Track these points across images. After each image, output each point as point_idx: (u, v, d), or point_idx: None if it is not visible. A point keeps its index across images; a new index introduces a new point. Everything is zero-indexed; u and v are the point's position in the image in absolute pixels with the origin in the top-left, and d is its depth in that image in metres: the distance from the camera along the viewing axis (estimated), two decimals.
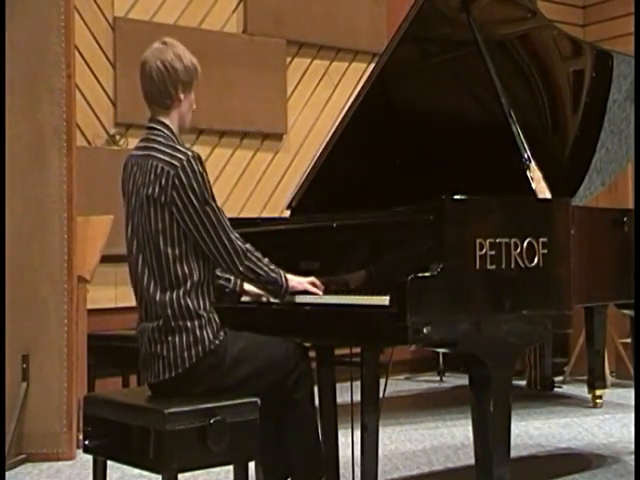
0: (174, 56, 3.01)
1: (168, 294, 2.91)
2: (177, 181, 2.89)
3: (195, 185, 2.90)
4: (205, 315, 2.93)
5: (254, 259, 2.99)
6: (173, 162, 2.91)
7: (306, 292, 3.11)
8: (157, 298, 2.92)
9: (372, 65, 4.82)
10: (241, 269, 2.98)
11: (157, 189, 2.91)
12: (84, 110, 5.98)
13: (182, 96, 3.03)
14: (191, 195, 2.90)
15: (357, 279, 3.17)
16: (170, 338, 2.91)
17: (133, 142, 6.14)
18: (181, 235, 2.92)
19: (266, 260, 3.03)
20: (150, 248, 2.94)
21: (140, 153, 3.03)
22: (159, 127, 3.02)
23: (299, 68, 7.15)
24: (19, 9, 4.73)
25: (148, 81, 3.02)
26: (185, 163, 2.90)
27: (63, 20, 4.77)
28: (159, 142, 2.99)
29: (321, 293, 3.13)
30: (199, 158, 2.94)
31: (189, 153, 2.93)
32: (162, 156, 2.94)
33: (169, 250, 2.91)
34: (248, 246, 3.00)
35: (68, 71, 4.79)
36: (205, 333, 2.92)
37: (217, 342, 2.93)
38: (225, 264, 2.96)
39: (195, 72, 3.06)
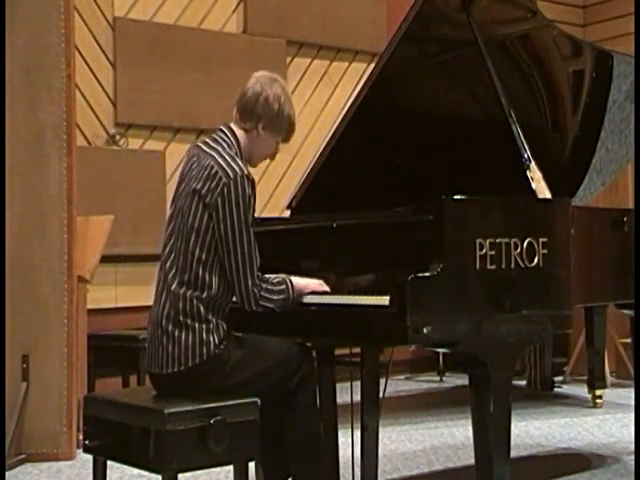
0: (274, 95, 3.08)
1: (184, 289, 2.94)
2: (225, 190, 2.91)
3: (241, 202, 2.92)
4: (214, 321, 2.95)
5: (267, 295, 2.98)
6: (228, 171, 2.93)
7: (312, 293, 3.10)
8: (173, 288, 2.95)
9: (372, 65, 4.82)
10: (254, 308, 2.98)
11: (205, 188, 2.94)
12: (84, 110, 5.98)
13: (262, 132, 3.09)
14: (234, 209, 2.91)
15: (357, 279, 3.16)
16: (177, 333, 2.92)
17: (133, 142, 6.25)
18: (212, 244, 2.94)
19: (276, 283, 3.00)
20: (182, 238, 2.97)
21: (204, 147, 3.07)
22: (229, 134, 3.08)
23: (299, 68, 7.14)
24: (19, 9, 4.73)
25: (242, 96, 3.10)
26: (238, 178, 2.92)
27: (63, 20, 4.77)
28: (222, 147, 3.03)
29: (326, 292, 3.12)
30: (252, 182, 2.96)
31: (245, 171, 2.96)
32: (220, 160, 2.97)
33: (197, 251, 2.94)
34: (263, 282, 2.96)
35: (68, 71, 4.78)
36: (211, 337, 2.93)
37: (222, 346, 2.94)
38: (239, 298, 2.97)
39: (287, 123, 3.11)
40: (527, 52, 3.97)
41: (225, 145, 3.05)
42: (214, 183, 2.93)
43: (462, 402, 4.77)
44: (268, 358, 3.02)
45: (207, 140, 3.11)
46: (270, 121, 3.08)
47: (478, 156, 3.59)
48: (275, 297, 2.99)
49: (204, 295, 2.93)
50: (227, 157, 2.99)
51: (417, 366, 7.39)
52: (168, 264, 2.99)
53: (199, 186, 2.96)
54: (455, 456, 4.60)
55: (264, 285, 2.97)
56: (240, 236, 2.92)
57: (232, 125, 3.12)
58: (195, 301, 2.92)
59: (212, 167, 2.96)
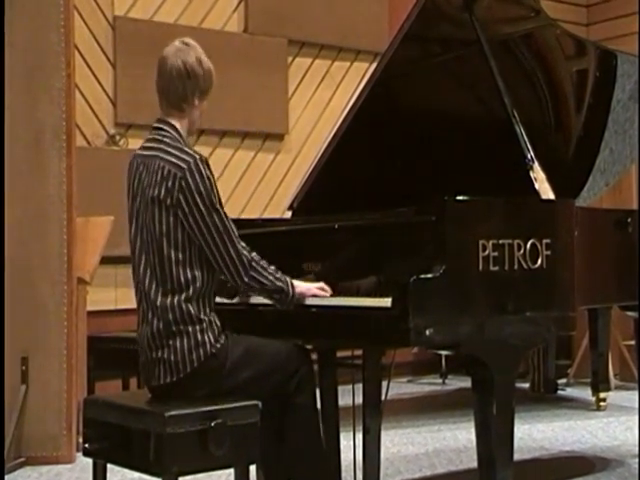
0: (195, 60, 3.00)
1: (169, 298, 2.89)
2: (184, 183, 2.86)
3: (202, 189, 2.87)
4: (206, 319, 2.91)
5: (259, 268, 2.94)
6: (180, 164, 2.88)
7: (314, 297, 3.07)
8: (158, 302, 2.90)
9: (374, 65, 4.80)
10: (245, 279, 2.94)
11: (163, 191, 2.88)
12: (84, 110, 5.96)
13: (197, 102, 3.02)
14: (197, 199, 2.86)
15: (359, 281, 3.14)
16: (171, 342, 2.89)
17: (133, 142, 6.23)
18: (185, 239, 2.89)
19: (272, 268, 2.98)
20: (154, 250, 2.92)
21: (146, 153, 3.00)
22: (167, 128, 3.00)
23: (300, 68, 7.13)
24: (19, 8, 4.71)
25: (167, 80, 3.00)
26: (192, 166, 2.87)
27: (63, 19, 4.75)
28: (166, 143, 2.96)
29: (328, 296, 3.09)
30: (206, 161, 2.91)
31: (196, 156, 2.90)
32: (169, 157, 2.91)
33: (172, 253, 2.89)
34: (254, 255, 2.96)
35: (68, 70, 4.76)
36: (206, 337, 2.89)
37: (218, 345, 2.91)
38: (229, 273, 2.92)
39: (211, 79, 3.05)
40: (530, 51, 3.95)
41: (168, 140, 2.96)
42: (170, 182, 2.87)
43: (465, 405, 4.75)
44: (266, 360, 2.99)
45: (146, 145, 3.03)
46: (201, 90, 3.01)
47: (481, 156, 3.58)
48: (270, 277, 2.95)
49: (190, 292, 2.89)
50: (174, 151, 2.92)
51: (419, 368, 7.36)
52: (147, 281, 2.94)
53: (156, 193, 2.89)
54: (458, 459, 4.58)
55: (256, 257, 2.94)
56: (211, 220, 2.87)
57: (165, 117, 3.02)
58: (184, 305, 2.88)
59: (163, 167, 2.90)
